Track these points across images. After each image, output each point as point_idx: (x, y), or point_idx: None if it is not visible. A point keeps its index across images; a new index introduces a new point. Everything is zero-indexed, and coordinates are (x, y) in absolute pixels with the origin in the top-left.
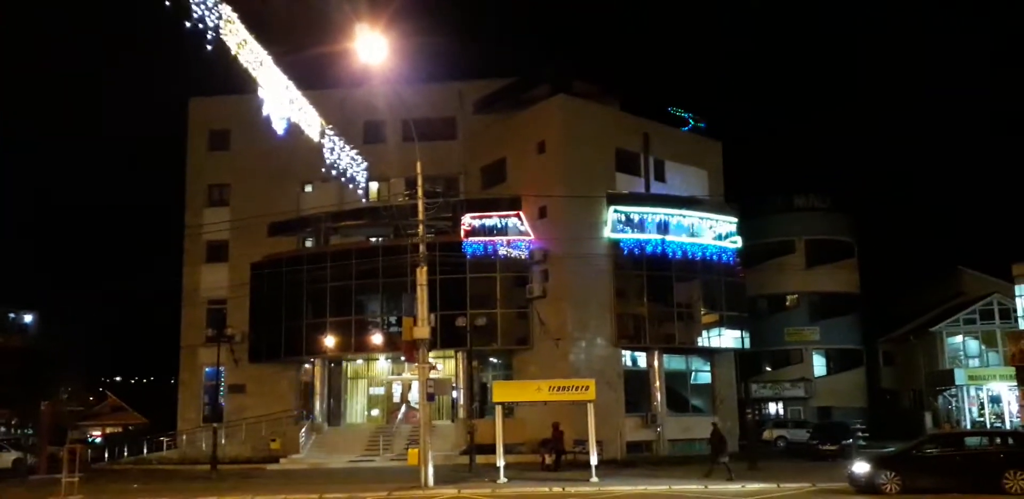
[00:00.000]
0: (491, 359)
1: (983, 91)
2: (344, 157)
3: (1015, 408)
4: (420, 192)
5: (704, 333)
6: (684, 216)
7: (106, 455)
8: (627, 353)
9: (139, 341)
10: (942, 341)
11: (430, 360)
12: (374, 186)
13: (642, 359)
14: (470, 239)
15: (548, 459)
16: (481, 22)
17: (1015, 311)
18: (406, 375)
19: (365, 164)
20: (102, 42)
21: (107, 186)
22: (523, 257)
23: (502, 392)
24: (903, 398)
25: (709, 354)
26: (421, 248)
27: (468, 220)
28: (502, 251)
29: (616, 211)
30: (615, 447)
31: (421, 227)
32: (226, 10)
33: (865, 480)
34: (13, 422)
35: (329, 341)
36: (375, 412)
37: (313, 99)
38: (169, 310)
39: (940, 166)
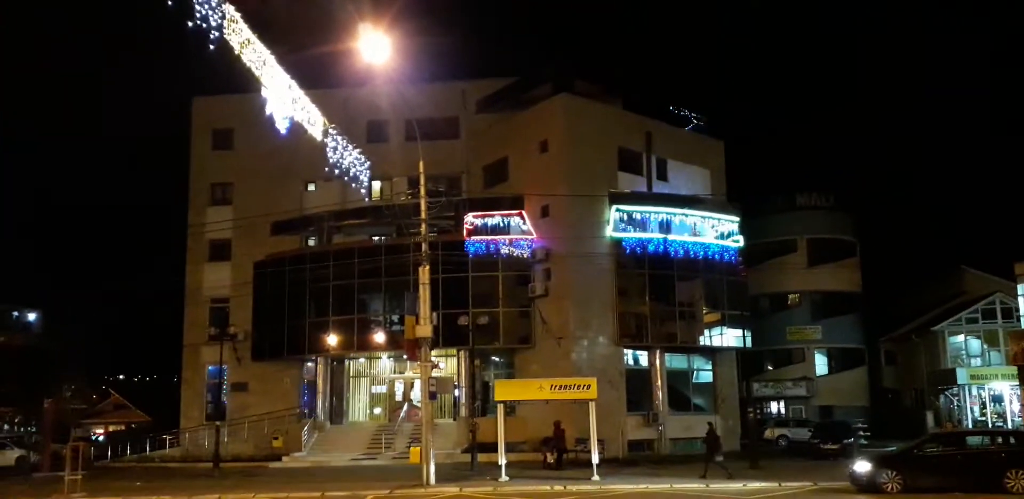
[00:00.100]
0: (493, 358)
1: (983, 91)
2: (347, 156)
3: (1017, 407)
4: (423, 191)
5: (706, 332)
6: (686, 215)
7: (109, 453)
8: (629, 352)
9: (142, 339)
10: (944, 340)
11: (432, 359)
12: (377, 185)
13: (644, 358)
14: (472, 238)
15: (550, 458)
16: (484, 22)
17: (1017, 310)
18: (408, 374)
19: (368, 163)
20: (103, 42)
21: (109, 185)
22: (525, 256)
23: (504, 391)
24: (905, 397)
25: (711, 353)
26: (423, 247)
27: (470, 219)
28: (504, 250)
29: (618, 210)
30: (617, 446)
31: (423, 226)
32: (229, 10)
33: (867, 479)
34: (16, 420)
35: (331, 339)
36: (377, 410)
37: (316, 98)
38: (172, 309)
39: (942, 165)
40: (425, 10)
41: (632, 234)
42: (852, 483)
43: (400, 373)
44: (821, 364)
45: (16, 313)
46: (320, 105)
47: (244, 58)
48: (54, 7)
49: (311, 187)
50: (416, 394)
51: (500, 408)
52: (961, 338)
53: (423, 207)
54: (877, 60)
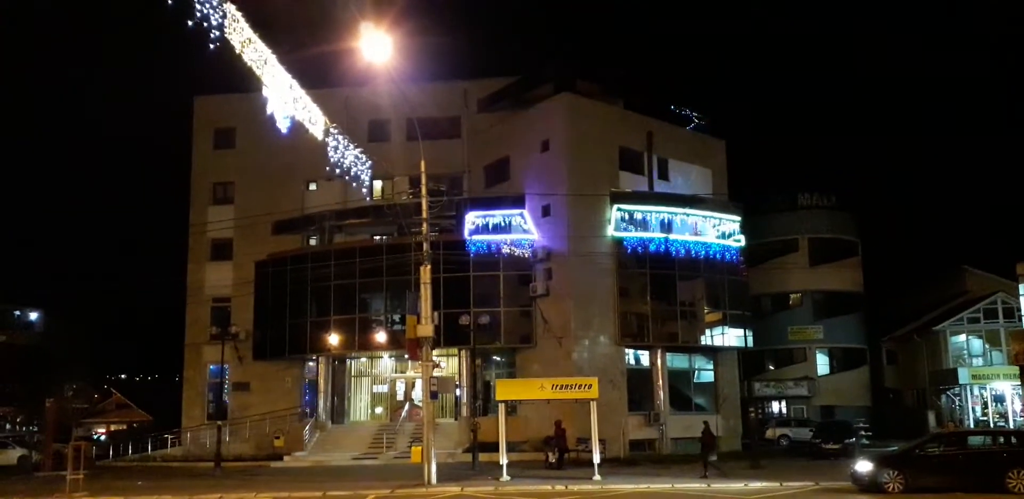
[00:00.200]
0: (494, 357)
1: (983, 90)
2: (348, 155)
3: (1018, 407)
4: (424, 190)
5: (707, 332)
6: (688, 215)
7: (111, 452)
8: (630, 351)
9: (144, 339)
10: (946, 340)
11: (433, 358)
12: (378, 184)
13: (645, 357)
14: (474, 237)
15: (551, 457)
16: (485, 21)
17: (1019, 310)
18: (409, 373)
19: (369, 163)
20: (103, 42)
21: (111, 185)
22: (526, 255)
23: (505, 390)
24: (906, 397)
25: (712, 353)
26: (425, 246)
27: (472, 218)
28: (505, 249)
29: (620, 209)
30: (618, 445)
31: (425, 225)
32: (230, 9)
33: (868, 479)
34: (18, 419)
35: (333, 339)
36: (379, 410)
37: (317, 98)
38: (173, 308)
39: (943, 165)
40: (427, 9)
41: (633, 233)
42: (854, 483)
43: (401, 373)
44: (822, 364)
45: (18, 312)
46: (321, 104)
47: (245, 57)
48: (54, 7)
49: (312, 186)
50: (417, 394)
51: (501, 408)
52: (963, 338)
53: (424, 206)
54: (877, 60)
